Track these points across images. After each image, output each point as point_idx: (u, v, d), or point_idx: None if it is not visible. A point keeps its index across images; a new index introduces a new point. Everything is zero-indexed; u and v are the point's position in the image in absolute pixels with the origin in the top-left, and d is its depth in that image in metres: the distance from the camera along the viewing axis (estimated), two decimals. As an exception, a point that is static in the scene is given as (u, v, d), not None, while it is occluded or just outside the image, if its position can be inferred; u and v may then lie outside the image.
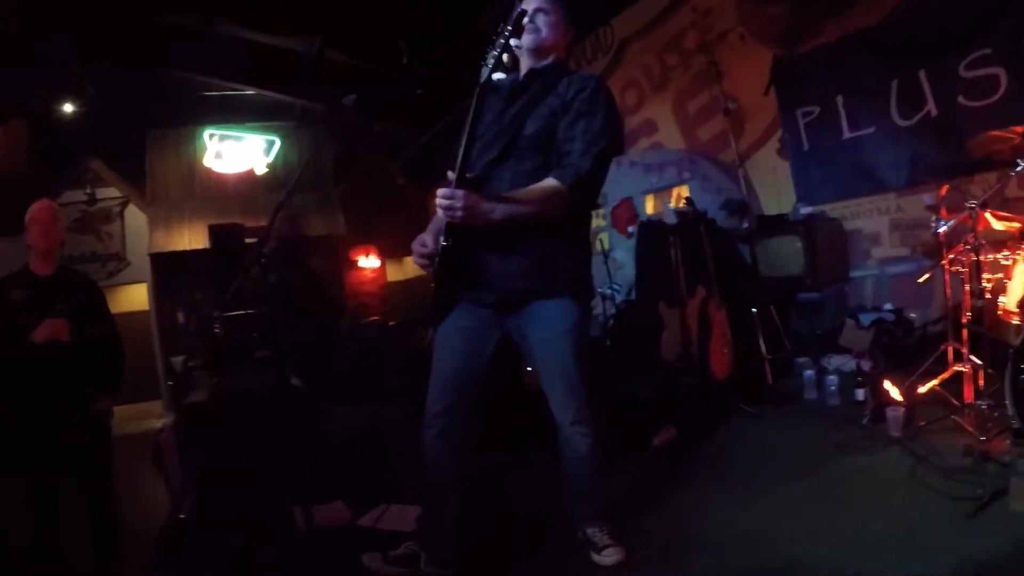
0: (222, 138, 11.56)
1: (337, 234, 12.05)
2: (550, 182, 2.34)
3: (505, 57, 2.32)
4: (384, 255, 12.86)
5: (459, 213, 2.17)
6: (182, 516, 2.39)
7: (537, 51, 2.55)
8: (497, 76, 2.37)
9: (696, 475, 3.56)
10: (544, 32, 2.51)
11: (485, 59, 2.29)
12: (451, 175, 2.29)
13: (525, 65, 2.59)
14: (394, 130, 10.07)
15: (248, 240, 7.77)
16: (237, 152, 11.64)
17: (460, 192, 2.18)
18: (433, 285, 2.49)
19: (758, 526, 2.84)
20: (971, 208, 3.59)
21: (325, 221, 12.02)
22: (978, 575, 2.23)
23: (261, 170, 11.79)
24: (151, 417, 9.49)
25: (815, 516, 2.87)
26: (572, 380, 2.52)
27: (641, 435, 4.11)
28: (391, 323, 9.19)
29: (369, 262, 12.73)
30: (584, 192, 2.44)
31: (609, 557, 2.59)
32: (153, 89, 9.75)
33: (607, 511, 2.70)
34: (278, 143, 11.86)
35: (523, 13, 2.31)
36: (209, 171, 11.70)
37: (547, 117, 2.43)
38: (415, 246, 2.57)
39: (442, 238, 2.32)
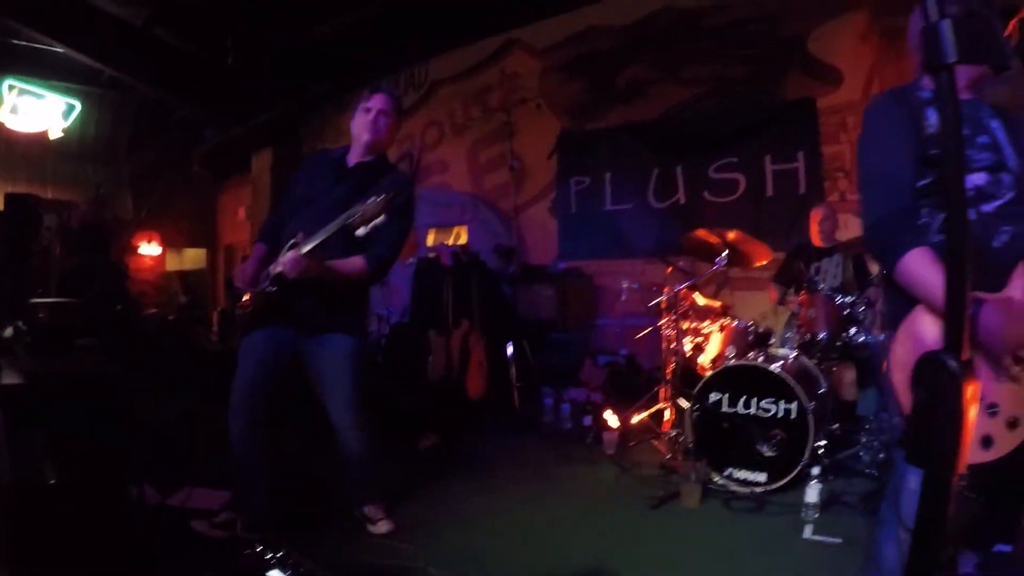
0: (21, 92, 10.55)
1: (123, 216, 11.43)
2: (359, 260, 2.99)
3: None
4: (165, 243, 12.35)
5: (294, 274, 2.80)
6: (52, 481, 2.47)
7: (371, 145, 3.17)
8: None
9: (453, 473, 4.26)
10: (382, 134, 3.14)
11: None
12: (301, 237, 2.87)
13: (356, 151, 3.20)
14: (202, 116, 9.79)
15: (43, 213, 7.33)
16: (35, 110, 10.68)
17: (303, 259, 2.79)
18: (248, 308, 3.11)
19: (498, 511, 3.62)
20: (678, 290, 4.83)
21: (113, 200, 11.37)
22: (654, 550, 3.13)
23: (56, 134, 10.91)
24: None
25: (542, 508, 3.68)
26: (350, 394, 3.15)
27: (408, 439, 4.75)
28: (171, 318, 8.98)
29: (150, 249, 12.09)
30: (380, 272, 3.13)
31: (381, 527, 3.25)
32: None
33: (378, 492, 3.38)
34: (79, 108, 11.07)
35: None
36: (1, 126, 10.69)
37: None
38: (238, 272, 3.17)
39: (269, 284, 2.96)
